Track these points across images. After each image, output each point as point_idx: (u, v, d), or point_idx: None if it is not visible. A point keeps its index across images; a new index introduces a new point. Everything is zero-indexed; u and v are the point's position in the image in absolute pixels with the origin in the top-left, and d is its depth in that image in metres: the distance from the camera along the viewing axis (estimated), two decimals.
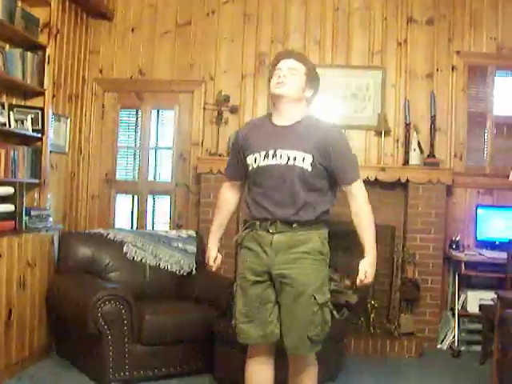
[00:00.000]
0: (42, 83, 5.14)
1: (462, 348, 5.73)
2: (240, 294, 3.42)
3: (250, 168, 3.41)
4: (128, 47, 6.38)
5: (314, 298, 3.27)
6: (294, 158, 3.28)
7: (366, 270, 3.34)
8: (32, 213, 4.80)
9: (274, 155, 3.31)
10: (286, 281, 3.28)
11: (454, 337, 5.76)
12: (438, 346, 5.85)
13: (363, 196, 3.43)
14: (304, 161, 3.27)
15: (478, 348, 5.53)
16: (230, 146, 5.48)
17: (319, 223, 3.37)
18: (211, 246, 3.68)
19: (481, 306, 5.58)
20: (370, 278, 3.35)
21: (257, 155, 3.37)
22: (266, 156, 3.33)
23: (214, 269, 3.69)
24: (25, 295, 4.60)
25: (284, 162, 3.29)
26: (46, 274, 4.92)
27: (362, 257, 3.37)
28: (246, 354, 3.49)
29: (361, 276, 3.33)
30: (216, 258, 3.67)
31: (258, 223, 3.36)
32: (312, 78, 3.42)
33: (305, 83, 3.37)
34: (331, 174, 3.36)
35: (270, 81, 3.42)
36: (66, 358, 4.90)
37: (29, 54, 4.97)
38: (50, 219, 5.08)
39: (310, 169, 3.27)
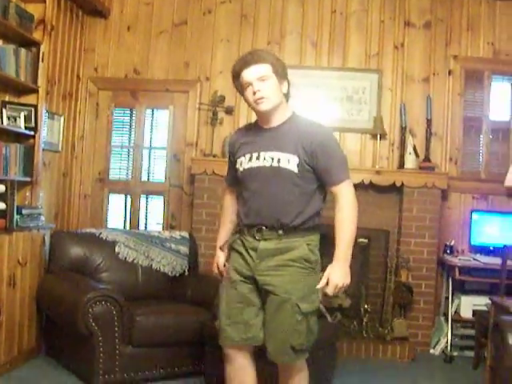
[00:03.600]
0: (35, 80, 5.09)
1: (455, 353, 5.71)
2: (224, 295, 3.37)
3: (238, 172, 3.35)
4: (124, 46, 6.34)
5: (298, 307, 3.15)
6: (279, 160, 3.18)
7: (331, 278, 3.12)
8: (23, 211, 4.74)
9: (258, 157, 3.23)
10: (270, 288, 3.19)
11: (447, 342, 5.73)
12: (431, 351, 5.83)
13: (350, 197, 3.21)
14: (289, 162, 3.16)
15: (471, 353, 5.51)
16: (226, 150, 5.47)
17: (308, 229, 3.24)
18: (217, 253, 3.61)
19: (474, 312, 5.57)
20: (332, 288, 3.13)
21: (243, 158, 3.30)
22: (251, 159, 3.26)
23: (218, 275, 3.62)
24: (15, 294, 4.55)
25: (268, 163, 3.20)
26: (36, 274, 4.86)
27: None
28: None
29: (322, 283, 3.15)
30: (219, 264, 3.59)
31: (245, 229, 3.30)
32: (279, 71, 3.23)
33: (278, 82, 3.22)
34: (319, 176, 3.22)
35: (242, 95, 3.29)
36: (56, 358, 4.85)
37: (23, 50, 4.92)
38: (42, 218, 5.03)
39: (296, 170, 3.17)
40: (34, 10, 5.08)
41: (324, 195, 3.33)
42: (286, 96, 3.32)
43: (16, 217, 4.63)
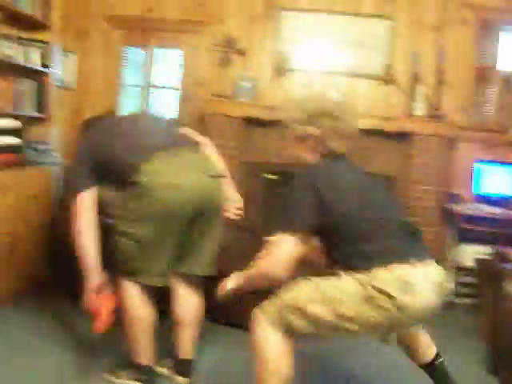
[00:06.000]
0: (49, 17, 5.10)
1: (457, 300, 5.82)
2: None
3: None
4: None
5: None
6: None
7: None
8: (37, 147, 4.83)
9: None
10: None
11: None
12: None
13: None
14: None
15: (472, 301, 5.64)
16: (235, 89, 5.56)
17: None
18: None
19: (476, 260, 5.66)
20: None
21: None
22: None
23: None
24: (28, 227, 4.66)
25: None
26: (49, 207, 4.96)
27: None
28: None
29: None
30: None
31: None
32: None
33: None
34: None
35: None
36: (66, 290, 4.96)
37: None
38: (54, 154, 5.11)
39: None
40: None
41: None
42: None
43: (29, 152, 4.71)
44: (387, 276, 2.54)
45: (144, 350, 3.39)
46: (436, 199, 5.88)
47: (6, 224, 4.36)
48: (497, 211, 5.56)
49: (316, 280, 2.71)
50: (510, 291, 4.02)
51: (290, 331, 2.70)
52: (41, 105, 5.05)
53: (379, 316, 2.55)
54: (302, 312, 2.65)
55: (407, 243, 2.72)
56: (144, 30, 6.35)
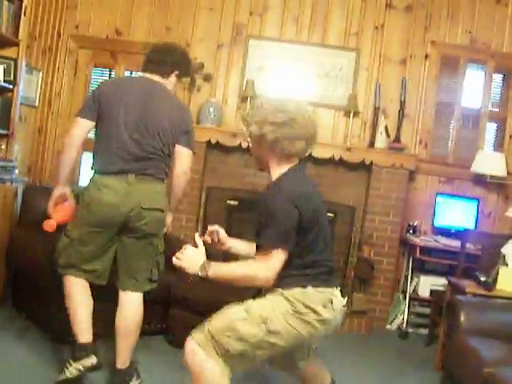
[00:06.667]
0: (16, 34, 5.09)
1: (410, 330, 5.89)
2: None
3: None
4: (106, 5, 6.32)
5: None
6: None
7: None
8: None
9: None
10: None
11: (403, 318, 5.91)
12: (387, 327, 6.01)
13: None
14: None
15: (425, 331, 5.71)
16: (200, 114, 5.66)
17: None
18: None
19: (432, 291, 5.75)
20: None
21: None
22: None
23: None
24: None
25: None
26: (7, 226, 4.90)
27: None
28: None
29: None
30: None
31: None
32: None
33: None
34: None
35: None
36: (21, 309, 4.92)
37: (5, 2, 4.90)
38: (16, 171, 5.07)
39: None
40: None
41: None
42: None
43: None
44: (316, 295, 2.85)
45: (81, 331, 3.69)
46: (394, 230, 5.96)
47: None
48: (453, 243, 5.65)
49: (244, 302, 2.88)
50: (464, 322, 4.09)
51: (224, 354, 2.80)
52: (4, 121, 5.02)
53: (302, 329, 2.83)
54: (233, 332, 2.79)
55: (333, 271, 3.02)
56: (111, 52, 6.36)
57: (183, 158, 3.77)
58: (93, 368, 3.64)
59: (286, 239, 2.77)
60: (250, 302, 2.88)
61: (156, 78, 3.84)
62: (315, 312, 2.82)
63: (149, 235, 3.70)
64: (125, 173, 3.59)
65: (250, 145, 3.05)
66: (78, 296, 3.72)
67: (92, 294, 3.78)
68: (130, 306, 3.78)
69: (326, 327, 2.90)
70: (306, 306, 2.81)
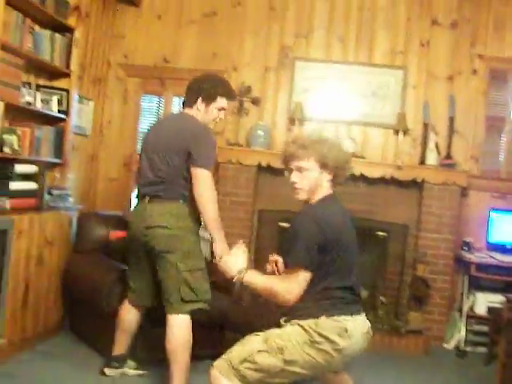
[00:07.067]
0: (68, 65, 5.22)
1: (468, 349, 5.79)
2: None
3: None
4: (153, 34, 6.45)
5: None
6: None
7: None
8: (53, 192, 4.89)
9: None
10: None
11: (460, 337, 5.82)
12: (445, 346, 5.92)
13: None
14: None
15: (484, 350, 5.61)
16: (250, 138, 5.72)
17: None
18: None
19: (489, 309, 5.65)
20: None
21: None
22: None
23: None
24: (42, 272, 4.69)
25: None
26: (63, 253, 4.99)
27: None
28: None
29: None
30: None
31: None
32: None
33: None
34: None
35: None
36: (78, 334, 4.99)
37: (57, 35, 5.05)
38: (70, 199, 5.17)
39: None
40: None
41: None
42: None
43: (46, 197, 4.78)
44: (330, 324, 2.89)
45: (119, 344, 4.20)
46: (448, 247, 5.89)
47: (22, 269, 4.39)
48: (509, 259, 5.56)
49: (262, 333, 2.97)
50: None
51: (244, 381, 2.88)
52: (58, 150, 5.13)
53: (320, 358, 2.88)
54: (252, 363, 2.87)
55: (356, 297, 3.08)
56: (159, 79, 6.46)
57: (194, 180, 3.80)
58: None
59: (310, 258, 2.87)
60: (270, 332, 2.96)
61: (186, 109, 4.05)
62: (331, 341, 2.87)
63: (160, 252, 3.81)
64: (143, 197, 3.89)
65: (298, 179, 3.09)
66: (125, 315, 4.18)
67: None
68: (169, 329, 3.84)
69: (343, 355, 2.94)
70: (321, 335, 2.87)
